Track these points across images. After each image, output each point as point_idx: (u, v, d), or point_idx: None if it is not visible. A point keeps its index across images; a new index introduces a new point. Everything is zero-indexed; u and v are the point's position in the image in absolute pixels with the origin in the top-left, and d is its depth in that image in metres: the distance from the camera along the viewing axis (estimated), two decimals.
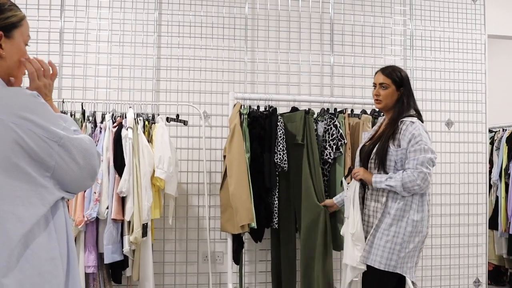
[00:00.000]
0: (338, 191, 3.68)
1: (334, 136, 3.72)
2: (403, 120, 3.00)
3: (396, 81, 3.10)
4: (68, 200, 1.69)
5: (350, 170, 3.37)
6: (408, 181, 2.87)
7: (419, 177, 2.87)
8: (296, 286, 3.81)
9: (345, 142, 3.75)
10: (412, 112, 3.07)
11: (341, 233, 3.40)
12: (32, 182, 1.48)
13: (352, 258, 3.19)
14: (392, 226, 2.94)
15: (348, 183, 3.32)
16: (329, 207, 3.60)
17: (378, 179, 3.00)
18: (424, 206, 2.98)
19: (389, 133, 3.01)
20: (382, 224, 2.97)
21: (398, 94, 3.10)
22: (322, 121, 3.77)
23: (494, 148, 5.49)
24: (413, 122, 2.97)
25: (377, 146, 3.05)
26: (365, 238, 3.08)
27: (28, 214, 1.45)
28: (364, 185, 3.17)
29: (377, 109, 3.64)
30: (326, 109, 3.92)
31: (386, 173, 3.00)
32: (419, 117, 3.07)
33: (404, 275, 2.96)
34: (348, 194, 3.28)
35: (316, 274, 3.59)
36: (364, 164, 3.15)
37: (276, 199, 3.74)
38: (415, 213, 2.94)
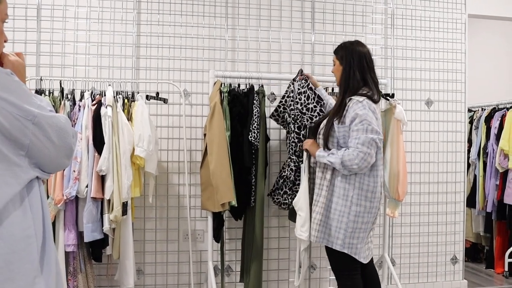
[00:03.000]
0: None
1: (312, 98, 3.66)
2: (351, 98, 2.98)
3: (339, 56, 3.13)
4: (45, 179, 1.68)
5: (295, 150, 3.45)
6: (347, 159, 2.87)
7: (358, 156, 2.84)
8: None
9: (324, 103, 3.65)
10: (365, 90, 3.02)
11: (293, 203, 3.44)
12: (6, 161, 1.46)
13: (296, 227, 3.25)
14: (338, 205, 2.96)
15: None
16: None
17: (321, 153, 3.04)
18: (371, 187, 2.96)
19: (335, 110, 3.04)
20: (331, 203, 3.00)
21: (341, 69, 3.12)
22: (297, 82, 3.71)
23: (473, 127, 5.56)
24: (359, 101, 2.94)
25: (324, 121, 3.10)
26: (311, 208, 3.14)
27: (2, 192, 1.44)
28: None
29: None
30: (301, 70, 3.79)
31: (329, 148, 3.03)
32: (372, 96, 3.01)
33: (353, 255, 2.97)
34: (302, 165, 3.36)
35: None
36: (314, 137, 3.21)
37: (253, 177, 3.76)
38: (360, 193, 2.94)
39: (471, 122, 5.60)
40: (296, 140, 3.60)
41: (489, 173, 5.15)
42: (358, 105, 2.92)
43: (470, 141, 5.49)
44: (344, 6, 4.50)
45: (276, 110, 3.84)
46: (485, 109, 5.51)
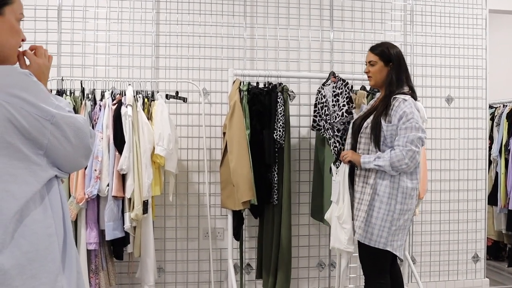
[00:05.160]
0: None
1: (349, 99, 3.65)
2: (396, 97, 3.00)
3: (384, 57, 3.12)
4: (63, 178, 1.70)
5: (339, 155, 3.39)
6: (396, 160, 2.88)
7: (408, 155, 2.87)
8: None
9: (353, 106, 3.63)
10: (406, 89, 3.06)
11: (326, 217, 3.42)
12: (26, 160, 1.48)
13: (340, 241, 3.23)
14: (382, 203, 2.95)
15: (337, 168, 3.35)
16: None
17: (366, 159, 3.01)
18: (414, 184, 3.00)
19: (381, 109, 3.02)
20: (375, 202, 2.98)
21: (387, 70, 3.10)
22: (329, 85, 3.71)
23: (494, 124, 5.49)
24: (405, 100, 2.97)
25: (368, 120, 3.07)
26: (353, 219, 3.12)
27: (21, 191, 1.46)
28: (352, 167, 3.18)
29: None
30: (333, 72, 3.81)
31: (379, 148, 3.00)
32: (413, 94, 3.06)
33: (394, 252, 2.99)
34: (337, 179, 3.29)
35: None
36: (355, 137, 3.16)
37: (275, 175, 3.75)
38: (405, 191, 2.95)
39: (492, 119, 5.53)
40: (337, 144, 3.58)
41: (511, 170, 5.08)
42: (405, 104, 2.95)
43: (491, 138, 5.42)
44: (363, 3, 4.48)
45: (314, 121, 3.82)
46: (506, 106, 5.43)
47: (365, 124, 3.08)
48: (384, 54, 3.12)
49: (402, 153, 2.87)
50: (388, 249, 2.97)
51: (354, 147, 3.16)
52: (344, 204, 3.22)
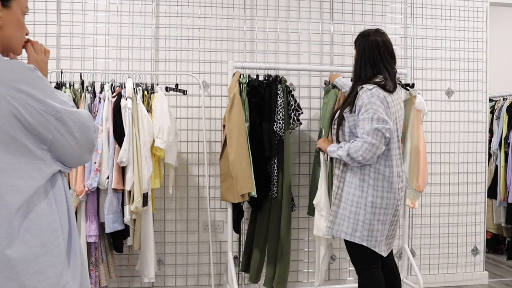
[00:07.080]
0: None
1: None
2: (362, 87, 2.91)
3: (356, 45, 3.09)
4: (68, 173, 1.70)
5: None
6: (353, 151, 2.81)
7: (363, 147, 2.77)
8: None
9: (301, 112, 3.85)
10: (377, 79, 2.92)
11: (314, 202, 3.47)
12: (30, 155, 1.48)
13: (318, 228, 3.22)
14: (354, 196, 2.89)
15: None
16: None
17: (332, 148, 3.00)
18: (386, 177, 2.87)
19: (347, 99, 2.99)
20: (344, 193, 2.94)
21: (356, 57, 3.07)
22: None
23: (494, 117, 5.49)
24: (369, 89, 2.85)
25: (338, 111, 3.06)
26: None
27: (26, 185, 1.45)
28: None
29: None
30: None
31: (337, 139, 3.01)
32: (384, 85, 2.89)
33: (372, 248, 2.90)
34: (321, 168, 3.33)
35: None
36: (330, 128, 3.18)
37: (275, 167, 3.75)
38: (376, 183, 2.86)
39: (492, 112, 5.53)
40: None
41: (510, 163, 5.09)
42: (366, 93, 2.84)
43: (491, 131, 5.43)
44: None
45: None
46: (506, 99, 5.43)
47: (336, 115, 3.09)
48: (356, 42, 3.10)
49: (358, 145, 2.79)
50: (364, 244, 2.88)
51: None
52: (322, 191, 3.23)
